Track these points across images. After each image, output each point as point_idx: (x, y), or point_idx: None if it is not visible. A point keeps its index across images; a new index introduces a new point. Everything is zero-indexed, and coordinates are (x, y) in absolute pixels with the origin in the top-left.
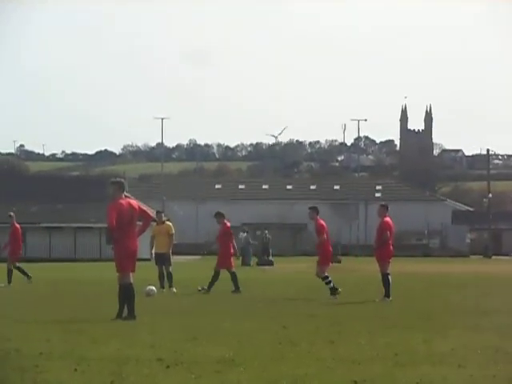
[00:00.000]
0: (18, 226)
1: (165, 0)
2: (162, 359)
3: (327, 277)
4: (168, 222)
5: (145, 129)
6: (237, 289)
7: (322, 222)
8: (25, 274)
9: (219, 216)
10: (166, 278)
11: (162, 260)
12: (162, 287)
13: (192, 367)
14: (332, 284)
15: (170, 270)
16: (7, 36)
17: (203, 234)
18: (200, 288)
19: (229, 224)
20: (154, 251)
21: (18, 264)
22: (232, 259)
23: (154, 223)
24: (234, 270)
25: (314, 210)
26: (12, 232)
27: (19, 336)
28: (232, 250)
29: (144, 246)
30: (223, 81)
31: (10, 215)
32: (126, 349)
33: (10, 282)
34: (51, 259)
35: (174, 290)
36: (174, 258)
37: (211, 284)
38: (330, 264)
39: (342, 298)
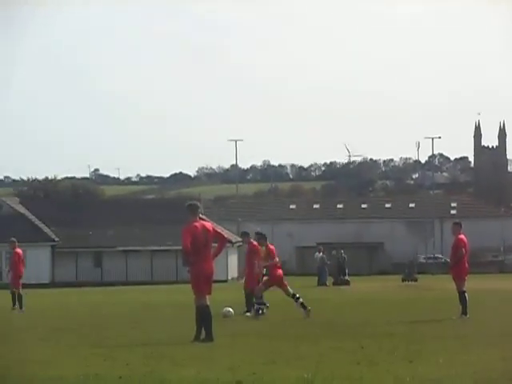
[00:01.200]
0: (19, 251)
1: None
2: (240, 382)
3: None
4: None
5: (219, 151)
6: (249, 310)
7: (272, 246)
8: (20, 303)
9: (245, 235)
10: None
11: None
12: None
13: None
14: (261, 305)
15: None
16: (86, 62)
17: (279, 255)
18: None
19: (255, 243)
20: None
21: (20, 291)
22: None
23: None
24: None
25: (262, 237)
26: (12, 257)
27: (99, 360)
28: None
29: (219, 267)
30: (296, 101)
31: (12, 240)
32: (204, 371)
33: (20, 307)
34: (128, 282)
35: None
36: None
37: (249, 305)
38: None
39: (419, 316)
